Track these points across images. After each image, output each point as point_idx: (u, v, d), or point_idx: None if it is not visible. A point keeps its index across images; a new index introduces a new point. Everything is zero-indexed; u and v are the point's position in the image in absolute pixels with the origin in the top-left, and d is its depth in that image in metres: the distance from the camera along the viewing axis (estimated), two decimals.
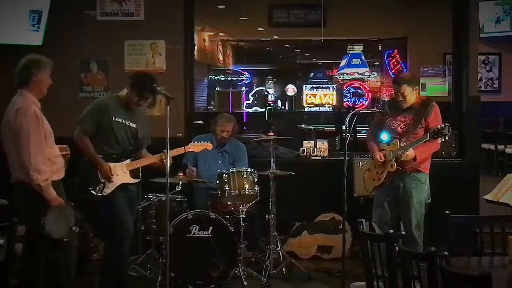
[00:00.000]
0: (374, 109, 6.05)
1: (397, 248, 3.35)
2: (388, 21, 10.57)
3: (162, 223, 5.41)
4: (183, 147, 5.32)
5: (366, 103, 13.15)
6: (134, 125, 5.13)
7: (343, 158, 5.28)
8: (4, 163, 4.44)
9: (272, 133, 6.35)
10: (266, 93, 14.59)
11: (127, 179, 5.07)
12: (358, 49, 12.92)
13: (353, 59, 12.83)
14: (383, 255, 3.49)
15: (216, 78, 13.78)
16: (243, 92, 13.71)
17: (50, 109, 4.66)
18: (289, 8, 10.56)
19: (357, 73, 13.28)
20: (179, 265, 5.31)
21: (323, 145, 7.07)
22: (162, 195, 5.58)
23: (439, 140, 5.24)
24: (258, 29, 11.26)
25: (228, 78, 14.01)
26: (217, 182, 5.79)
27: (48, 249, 4.45)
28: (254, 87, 14.71)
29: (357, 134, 8.51)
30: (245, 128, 10.58)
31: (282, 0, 10.65)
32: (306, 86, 14.42)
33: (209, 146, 5.64)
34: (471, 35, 6.99)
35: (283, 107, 14.51)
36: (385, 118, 5.50)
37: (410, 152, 5.25)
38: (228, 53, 14.22)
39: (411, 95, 5.39)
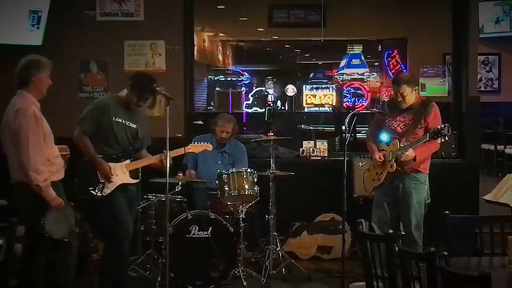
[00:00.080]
0: (373, 109, 6.06)
1: (397, 249, 3.35)
2: (388, 22, 10.55)
3: (161, 223, 5.41)
4: (183, 148, 5.31)
5: (366, 103, 13.11)
6: (134, 126, 5.12)
7: (342, 158, 5.29)
8: (3, 164, 4.43)
9: (272, 134, 6.34)
10: (266, 93, 14.57)
11: (127, 180, 5.07)
12: (357, 49, 12.89)
13: (353, 60, 12.82)
14: (382, 256, 3.49)
15: (216, 78, 13.77)
16: (243, 93, 13.72)
17: (49, 109, 4.66)
18: (289, 9, 10.54)
19: (357, 73, 13.26)
20: (178, 266, 5.31)
21: (322, 145, 7.07)
22: (161, 196, 5.57)
23: (439, 141, 5.24)
24: (258, 29, 11.24)
25: (228, 79, 14.01)
26: (217, 182, 5.79)
27: (47, 250, 4.44)
28: (254, 88, 14.70)
29: (357, 135, 8.52)
30: (245, 128, 10.58)
31: (282, 0, 10.62)
32: (306, 87, 14.38)
33: (209, 147, 5.64)
34: (471, 36, 7.00)
35: (283, 108, 14.47)
36: (385, 119, 5.50)
37: (410, 153, 5.25)
38: (228, 53, 14.19)
39: (410, 96, 5.39)
